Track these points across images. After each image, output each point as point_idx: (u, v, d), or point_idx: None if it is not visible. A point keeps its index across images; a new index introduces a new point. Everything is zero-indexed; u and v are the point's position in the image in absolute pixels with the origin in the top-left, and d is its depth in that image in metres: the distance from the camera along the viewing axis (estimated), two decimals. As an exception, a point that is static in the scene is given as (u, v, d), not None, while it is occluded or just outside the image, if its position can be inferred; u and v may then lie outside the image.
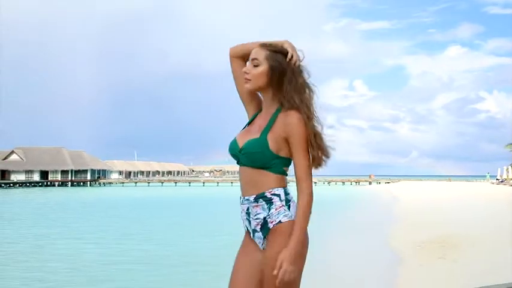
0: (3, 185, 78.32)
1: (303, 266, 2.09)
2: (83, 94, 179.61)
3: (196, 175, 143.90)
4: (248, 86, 2.18)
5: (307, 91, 2.15)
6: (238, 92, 2.31)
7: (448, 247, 12.98)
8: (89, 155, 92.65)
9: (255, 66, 2.15)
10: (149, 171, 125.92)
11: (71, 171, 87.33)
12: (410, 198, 37.51)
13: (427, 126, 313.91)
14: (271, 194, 2.10)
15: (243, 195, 2.18)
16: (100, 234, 19.01)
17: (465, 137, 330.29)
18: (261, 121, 2.18)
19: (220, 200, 40.23)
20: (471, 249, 12.14)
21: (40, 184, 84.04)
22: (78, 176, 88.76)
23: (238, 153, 2.16)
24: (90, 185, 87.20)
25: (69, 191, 65.24)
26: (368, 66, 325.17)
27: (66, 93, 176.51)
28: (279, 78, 2.13)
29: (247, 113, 2.32)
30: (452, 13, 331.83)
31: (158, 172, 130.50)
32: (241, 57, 2.27)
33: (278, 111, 2.14)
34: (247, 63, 2.20)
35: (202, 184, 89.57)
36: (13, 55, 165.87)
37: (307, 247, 2.11)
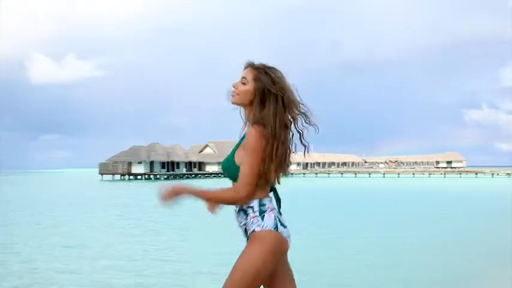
0: (200, 175, 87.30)
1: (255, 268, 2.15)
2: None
3: (370, 166, 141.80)
4: (233, 99, 2.35)
5: (286, 112, 2.29)
6: None
7: None
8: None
9: (243, 83, 2.33)
10: (325, 163, 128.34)
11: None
12: None
13: None
14: (247, 207, 2.26)
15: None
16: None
17: None
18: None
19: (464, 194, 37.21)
20: None
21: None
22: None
23: None
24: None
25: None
26: None
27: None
28: (262, 99, 2.29)
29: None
30: None
31: (333, 163, 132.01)
32: None
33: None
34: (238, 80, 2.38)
35: (382, 175, 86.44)
36: (195, 59, 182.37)
37: (274, 252, 2.19)
